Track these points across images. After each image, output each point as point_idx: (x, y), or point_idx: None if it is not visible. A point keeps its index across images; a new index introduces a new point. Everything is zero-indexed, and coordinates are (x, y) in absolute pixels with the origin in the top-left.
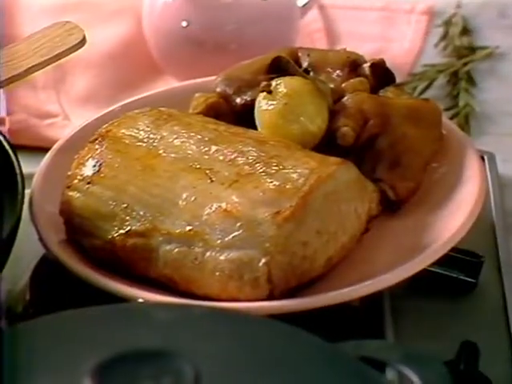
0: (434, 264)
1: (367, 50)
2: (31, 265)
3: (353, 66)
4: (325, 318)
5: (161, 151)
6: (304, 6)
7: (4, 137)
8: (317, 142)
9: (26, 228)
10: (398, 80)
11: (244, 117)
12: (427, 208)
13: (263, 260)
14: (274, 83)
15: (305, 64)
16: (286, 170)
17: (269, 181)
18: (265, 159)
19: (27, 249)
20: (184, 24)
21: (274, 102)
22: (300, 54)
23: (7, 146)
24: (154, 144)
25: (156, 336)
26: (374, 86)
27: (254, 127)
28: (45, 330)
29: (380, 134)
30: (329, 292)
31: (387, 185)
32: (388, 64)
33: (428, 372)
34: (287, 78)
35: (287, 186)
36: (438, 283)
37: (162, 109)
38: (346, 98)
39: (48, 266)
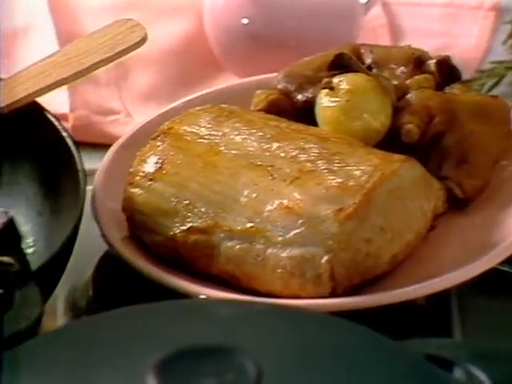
0: (502, 262)
1: (432, 47)
2: (94, 261)
3: (417, 62)
4: (389, 316)
5: (222, 148)
6: (367, 2)
7: (67, 133)
8: (380, 139)
9: (88, 224)
10: (465, 77)
11: (305, 114)
12: (496, 206)
13: (326, 257)
14: (336, 80)
15: (368, 60)
16: (349, 167)
17: (331, 178)
18: (327, 156)
19: (90, 245)
20: (245, 21)
21: (336, 99)
22: (363, 51)
23: (70, 143)
24: (216, 141)
25: (218, 332)
26: (440, 83)
27: (315, 124)
28: (107, 325)
29: (446, 131)
30: (394, 290)
31: (454, 182)
32: (454, 61)
33: (497, 371)
34: (350, 75)
35: (350, 183)
36: (507, 281)
37: (224, 106)
38: (410, 94)
39: (111, 262)
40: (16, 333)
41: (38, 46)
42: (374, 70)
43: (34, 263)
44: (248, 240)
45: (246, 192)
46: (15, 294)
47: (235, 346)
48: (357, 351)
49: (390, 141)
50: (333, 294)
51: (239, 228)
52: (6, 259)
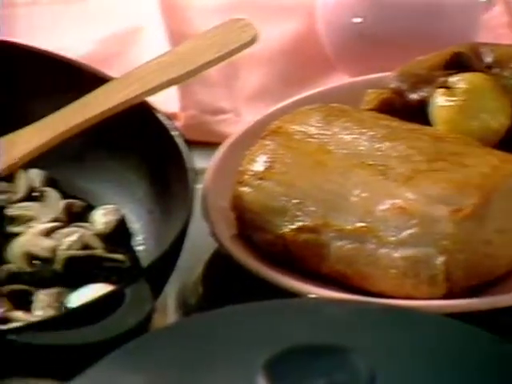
0: None
1: None
2: (204, 259)
3: None
4: (509, 320)
5: (332, 147)
6: (487, 0)
7: (177, 132)
8: (498, 140)
9: (198, 222)
10: None
11: (418, 113)
12: None
13: (441, 258)
14: (452, 79)
15: (487, 60)
16: (466, 168)
17: (447, 178)
18: (442, 156)
19: (200, 243)
20: (357, 20)
21: (453, 98)
22: (482, 50)
23: (180, 142)
24: (326, 140)
25: (329, 332)
26: None
27: (428, 124)
28: (217, 323)
29: None
30: None
31: None
32: None
33: None
34: (467, 74)
35: (467, 184)
36: None
37: (334, 105)
38: None
39: (220, 261)
40: (126, 330)
41: (149, 45)
42: (495, 70)
43: (145, 261)
44: (359, 240)
45: (356, 191)
46: (126, 291)
47: (347, 346)
48: (472, 354)
49: (511, 141)
50: (448, 296)
51: (350, 227)
52: (117, 256)
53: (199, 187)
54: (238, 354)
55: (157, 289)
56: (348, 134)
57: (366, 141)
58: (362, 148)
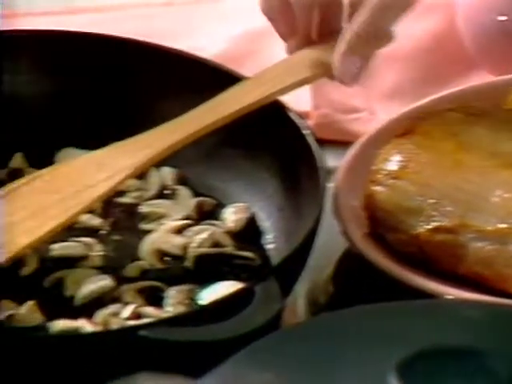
0: None
1: None
2: (335, 258)
3: None
4: None
5: (472, 147)
6: None
7: (309, 131)
8: None
9: (328, 221)
10: None
11: None
12: None
13: None
14: None
15: None
16: None
17: None
18: None
19: (330, 242)
20: (502, 18)
21: None
22: None
23: (311, 140)
24: (465, 140)
25: (466, 334)
26: None
27: None
28: (348, 322)
29: None
30: None
31: None
32: None
33: None
34: None
35: None
36: None
37: (474, 104)
38: None
39: (351, 260)
40: (256, 327)
41: (281, 44)
42: None
43: (275, 259)
44: (500, 241)
45: (498, 192)
46: (256, 289)
47: (485, 348)
48: None
49: None
50: None
51: (490, 228)
52: (247, 254)
53: (330, 186)
54: (370, 355)
55: (287, 287)
56: (489, 134)
57: (509, 141)
58: (504, 148)
